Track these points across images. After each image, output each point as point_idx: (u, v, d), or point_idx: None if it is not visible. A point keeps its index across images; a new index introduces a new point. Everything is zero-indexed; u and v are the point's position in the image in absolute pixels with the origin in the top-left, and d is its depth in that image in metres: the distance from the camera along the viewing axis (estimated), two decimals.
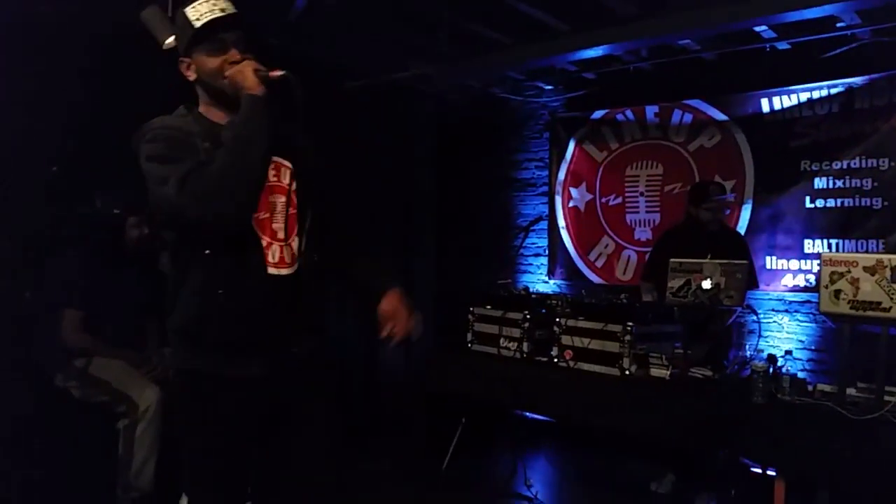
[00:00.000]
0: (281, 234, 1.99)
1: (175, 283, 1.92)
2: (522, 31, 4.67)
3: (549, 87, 6.02)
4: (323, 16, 4.38)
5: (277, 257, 1.97)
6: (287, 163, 2.05)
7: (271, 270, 1.95)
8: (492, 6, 4.31)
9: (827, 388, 3.06)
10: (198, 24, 1.91)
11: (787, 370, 3.17)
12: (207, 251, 1.87)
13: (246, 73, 1.88)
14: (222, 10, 1.94)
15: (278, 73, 1.90)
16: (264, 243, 1.95)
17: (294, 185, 2.05)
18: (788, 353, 3.29)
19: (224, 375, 1.90)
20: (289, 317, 1.98)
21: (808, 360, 4.77)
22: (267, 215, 1.97)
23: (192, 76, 1.98)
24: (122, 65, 4.12)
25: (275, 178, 2.00)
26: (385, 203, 5.88)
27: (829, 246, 4.74)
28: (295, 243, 2.03)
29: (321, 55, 5.02)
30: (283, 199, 2.02)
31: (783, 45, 4.62)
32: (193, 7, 1.94)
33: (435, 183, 6.37)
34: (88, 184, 3.93)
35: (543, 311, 3.96)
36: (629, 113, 5.76)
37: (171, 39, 3.91)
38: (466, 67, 5.19)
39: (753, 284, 4.27)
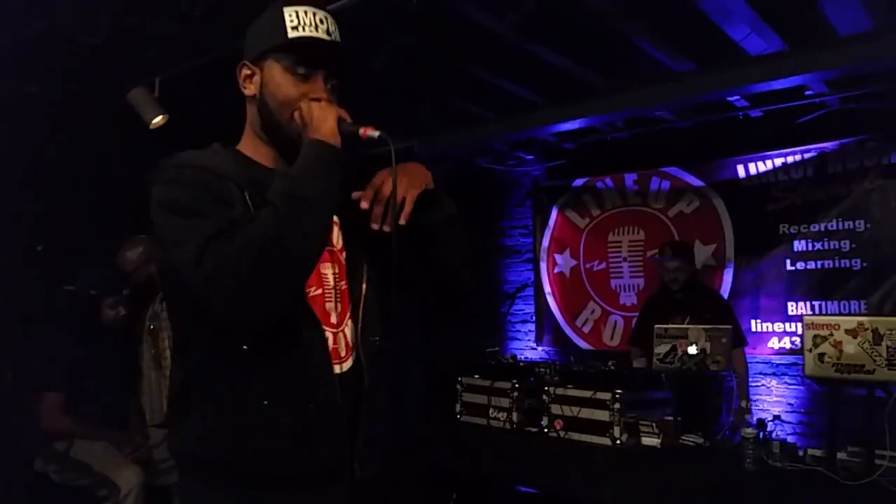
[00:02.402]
0: (334, 318, 1.47)
1: (190, 387, 1.39)
2: (504, 105, 4.80)
3: (531, 157, 6.14)
4: None
5: (332, 348, 1.45)
6: (334, 218, 1.50)
7: (335, 369, 1.44)
8: (472, 81, 4.44)
9: (817, 452, 3.04)
10: (293, 34, 1.42)
11: (777, 435, 3.16)
12: (245, 346, 1.33)
13: (327, 117, 1.38)
14: (328, 34, 1.45)
15: (373, 130, 1.42)
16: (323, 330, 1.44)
17: (345, 253, 1.54)
18: (777, 417, 3.29)
19: None
20: (358, 429, 1.46)
21: (799, 424, 4.75)
22: (318, 292, 1.45)
23: (250, 89, 1.49)
24: (107, 145, 4.18)
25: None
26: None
27: (812, 308, 4.79)
28: (349, 328, 1.51)
29: None
30: (334, 269, 1.49)
31: (756, 113, 4.77)
32: (295, 10, 1.43)
33: None
34: (70, 264, 3.93)
35: (532, 379, 3.94)
36: (609, 181, 5.88)
37: (158, 118, 4.00)
38: (450, 140, 5.29)
39: (740, 342, 4.29)
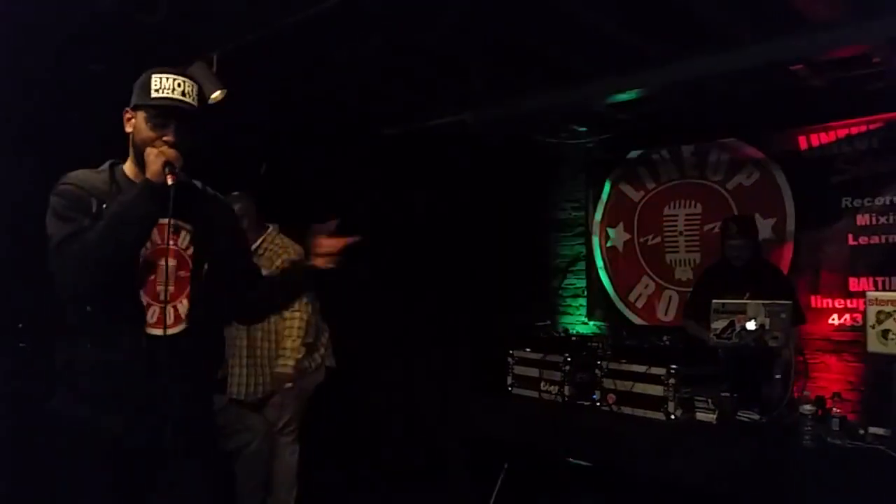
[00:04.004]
0: (163, 296, 2.02)
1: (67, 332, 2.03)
2: (557, 76, 4.73)
3: (584, 129, 6.06)
4: (361, 66, 4.50)
5: (156, 318, 2.01)
6: (187, 226, 2.11)
7: (149, 330, 2.00)
8: (523, 53, 4.39)
9: (879, 430, 2.98)
10: (154, 95, 2.01)
11: (836, 412, 3.11)
12: (88, 307, 1.97)
13: (155, 161, 1.94)
14: (182, 95, 2.02)
15: (171, 180, 1.93)
16: (144, 303, 2.01)
17: (191, 250, 2.11)
18: (837, 395, 3.22)
19: (92, 426, 1.96)
20: (165, 377, 1.94)
21: (859, 402, 4.65)
22: (152, 276, 2.03)
23: (129, 128, 2.07)
24: None
25: (171, 242, 2.05)
26: (422, 246, 5.94)
27: (875, 284, 4.65)
28: (182, 305, 2.07)
29: (359, 104, 5.15)
30: (172, 262, 2.06)
31: (819, 82, 4.60)
32: (159, 77, 2.02)
33: (472, 226, 6.42)
34: None
35: (584, 353, 3.94)
36: (665, 153, 5.77)
37: (217, 93, 4.07)
38: (502, 112, 5.25)
39: (800, 320, 4.19)
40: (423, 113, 5.36)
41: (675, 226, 5.70)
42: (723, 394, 3.34)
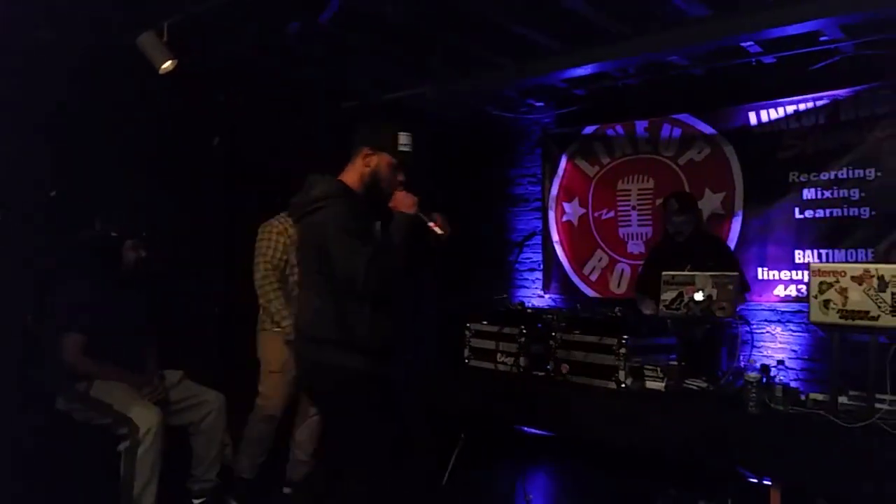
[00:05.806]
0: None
1: (353, 315, 2.62)
2: (515, 51, 4.75)
3: (541, 104, 6.10)
4: (318, 38, 4.45)
5: None
6: None
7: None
8: (485, 26, 4.39)
9: (819, 396, 3.11)
10: (404, 148, 2.74)
11: (780, 380, 3.22)
12: (384, 301, 2.68)
13: (409, 201, 2.73)
14: (412, 148, 2.76)
15: (438, 230, 2.77)
16: None
17: None
18: (781, 363, 3.34)
19: (382, 374, 2.71)
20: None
21: (802, 370, 4.83)
22: None
23: (370, 163, 2.73)
24: (119, 89, 4.17)
25: None
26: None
27: (819, 256, 4.81)
28: None
29: (317, 76, 5.09)
30: None
31: (769, 59, 4.71)
32: (404, 134, 2.74)
33: (430, 200, 6.42)
34: (86, 208, 3.97)
35: (539, 325, 4.00)
36: (619, 128, 5.84)
37: (168, 64, 3.99)
38: (460, 87, 5.25)
39: (744, 288, 4.33)
40: (381, 86, 5.32)
41: (629, 200, 5.79)
42: (671, 363, 3.44)
